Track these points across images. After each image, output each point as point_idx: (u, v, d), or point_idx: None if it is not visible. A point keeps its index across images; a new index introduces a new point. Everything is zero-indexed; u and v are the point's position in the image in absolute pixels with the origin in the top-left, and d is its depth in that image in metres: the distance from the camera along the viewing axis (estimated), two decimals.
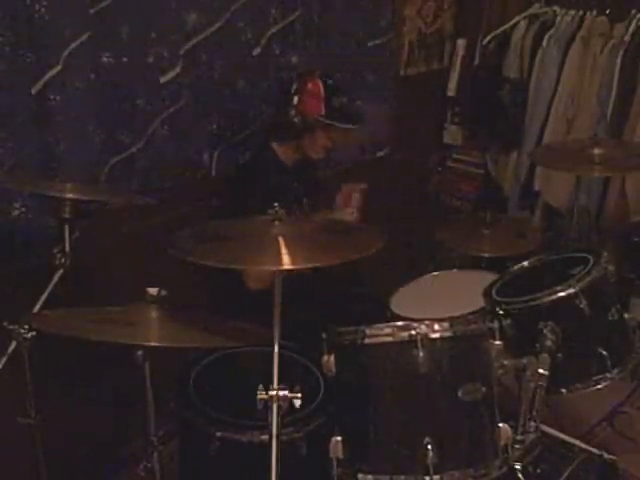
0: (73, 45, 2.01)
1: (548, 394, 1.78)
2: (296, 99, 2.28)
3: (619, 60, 3.11)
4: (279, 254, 1.43)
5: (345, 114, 2.33)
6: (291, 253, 1.43)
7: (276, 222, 1.56)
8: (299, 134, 2.31)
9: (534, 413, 1.77)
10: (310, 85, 2.28)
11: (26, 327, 1.62)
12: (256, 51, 2.59)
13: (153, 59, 2.26)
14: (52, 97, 2.01)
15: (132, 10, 2.16)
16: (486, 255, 2.62)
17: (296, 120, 2.28)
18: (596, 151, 2.41)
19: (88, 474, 2.23)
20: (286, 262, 1.41)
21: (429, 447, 1.57)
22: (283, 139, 2.35)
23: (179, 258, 1.43)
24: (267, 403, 1.42)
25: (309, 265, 1.47)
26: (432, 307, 2.20)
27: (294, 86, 2.29)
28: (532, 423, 1.78)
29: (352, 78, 3.02)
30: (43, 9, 1.92)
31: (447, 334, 1.62)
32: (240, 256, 1.49)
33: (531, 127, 3.41)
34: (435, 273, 2.55)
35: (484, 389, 1.64)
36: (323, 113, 2.28)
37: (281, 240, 1.48)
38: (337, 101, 2.29)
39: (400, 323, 1.64)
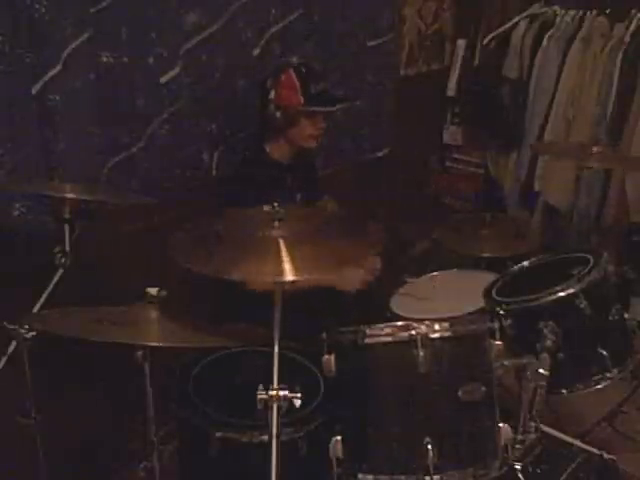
0: (73, 45, 2.00)
1: (548, 394, 1.78)
2: (272, 93, 2.25)
3: (619, 60, 3.12)
4: (280, 263, 1.39)
5: (325, 98, 2.29)
6: (292, 261, 1.39)
7: (276, 222, 1.53)
8: (283, 128, 2.29)
9: (534, 413, 1.78)
10: (283, 77, 2.24)
11: (26, 327, 1.62)
12: (256, 51, 2.59)
13: (153, 59, 2.25)
14: (52, 97, 2.00)
15: (132, 10, 2.15)
16: (486, 255, 2.61)
17: (277, 114, 2.25)
18: (595, 150, 2.42)
19: (88, 474, 2.23)
20: (287, 272, 1.37)
21: (429, 447, 1.57)
22: (271, 137, 2.34)
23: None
24: (267, 403, 1.42)
25: (311, 276, 1.45)
26: (432, 307, 2.20)
27: (269, 81, 2.27)
28: (532, 423, 1.79)
29: (352, 78, 3.02)
30: (43, 9, 1.92)
31: (447, 334, 1.62)
32: (239, 267, 1.44)
33: (531, 127, 3.42)
34: (435, 273, 2.55)
35: (484, 389, 1.63)
36: (302, 102, 2.24)
37: (282, 243, 1.45)
38: (315, 87, 2.26)
39: (400, 323, 1.64)
